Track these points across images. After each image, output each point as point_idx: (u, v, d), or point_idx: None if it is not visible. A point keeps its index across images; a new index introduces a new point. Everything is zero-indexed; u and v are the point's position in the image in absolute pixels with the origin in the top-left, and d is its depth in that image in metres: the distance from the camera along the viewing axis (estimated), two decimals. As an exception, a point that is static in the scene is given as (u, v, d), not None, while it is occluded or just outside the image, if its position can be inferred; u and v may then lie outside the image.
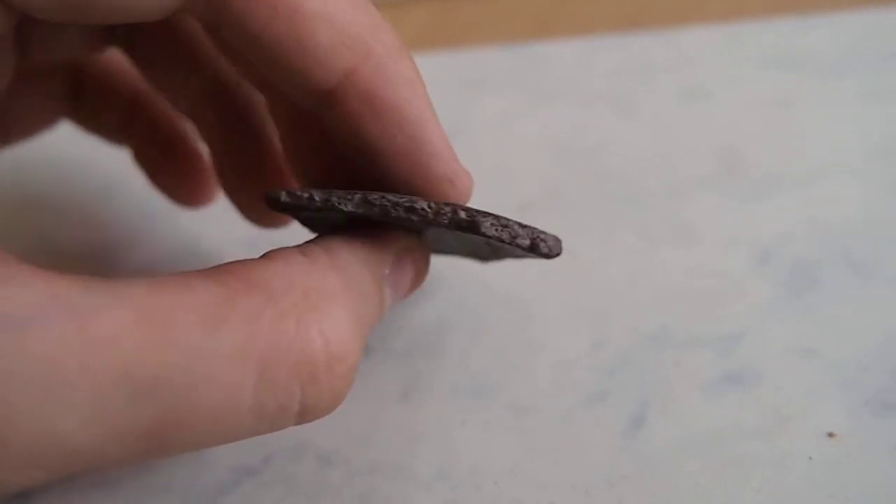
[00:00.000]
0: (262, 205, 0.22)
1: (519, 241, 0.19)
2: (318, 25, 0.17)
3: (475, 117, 0.31)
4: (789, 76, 0.31)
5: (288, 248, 0.18)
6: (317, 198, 0.18)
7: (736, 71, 0.32)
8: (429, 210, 0.18)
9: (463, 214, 0.18)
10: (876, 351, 0.22)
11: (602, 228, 0.26)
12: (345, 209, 0.18)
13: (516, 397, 0.22)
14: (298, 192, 0.19)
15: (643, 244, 0.26)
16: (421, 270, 0.20)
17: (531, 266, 0.25)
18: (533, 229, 0.19)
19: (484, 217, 0.18)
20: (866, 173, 0.27)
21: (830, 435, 0.20)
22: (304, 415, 0.16)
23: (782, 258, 0.24)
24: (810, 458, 0.20)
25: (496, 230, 0.18)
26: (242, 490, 0.21)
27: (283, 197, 0.19)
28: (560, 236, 0.22)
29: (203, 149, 0.25)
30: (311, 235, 0.20)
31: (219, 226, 0.28)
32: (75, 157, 0.32)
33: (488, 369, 0.23)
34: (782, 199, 0.26)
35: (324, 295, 0.17)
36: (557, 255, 0.20)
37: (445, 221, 0.18)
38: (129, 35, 0.23)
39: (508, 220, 0.19)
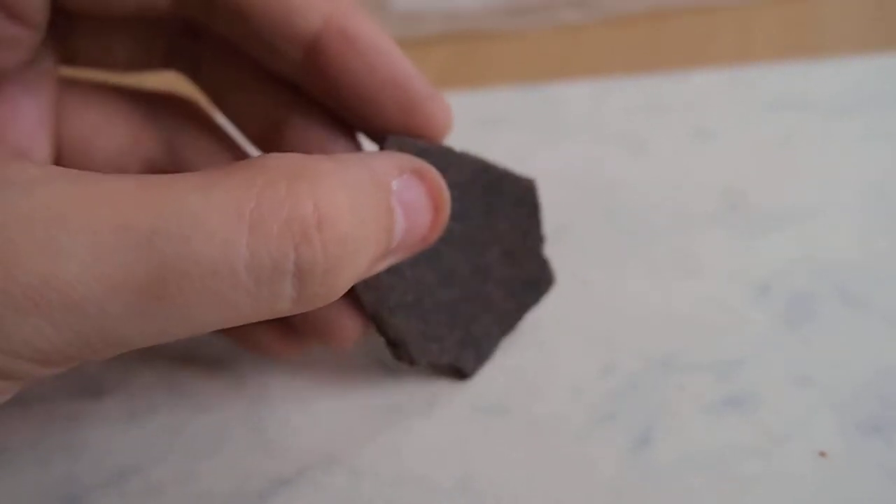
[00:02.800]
0: None
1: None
2: None
3: (493, 154, 0.33)
4: (793, 118, 0.33)
5: None
6: None
7: (742, 112, 0.34)
8: None
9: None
10: (867, 379, 0.23)
11: (613, 261, 0.28)
12: None
13: (531, 417, 0.24)
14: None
15: (651, 276, 0.27)
16: (438, 196, 0.20)
17: (546, 297, 0.27)
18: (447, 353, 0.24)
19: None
20: (863, 212, 0.28)
21: (822, 454, 0.22)
22: (302, 278, 0.17)
23: (781, 291, 0.26)
24: (803, 477, 0.21)
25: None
26: (278, 499, 0.23)
27: None
28: (573, 267, 0.25)
29: None
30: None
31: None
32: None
33: (506, 390, 0.25)
34: (782, 236, 0.28)
35: (317, 171, 0.17)
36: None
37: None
38: (191, 59, 0.25)
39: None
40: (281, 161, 0.17)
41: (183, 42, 0.24)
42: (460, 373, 0.25)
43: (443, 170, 0.24)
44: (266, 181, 0.16)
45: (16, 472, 0.24)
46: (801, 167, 0.31)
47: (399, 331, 0.23)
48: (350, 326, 0.24)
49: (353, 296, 0.23)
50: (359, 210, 0.18)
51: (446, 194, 0.21)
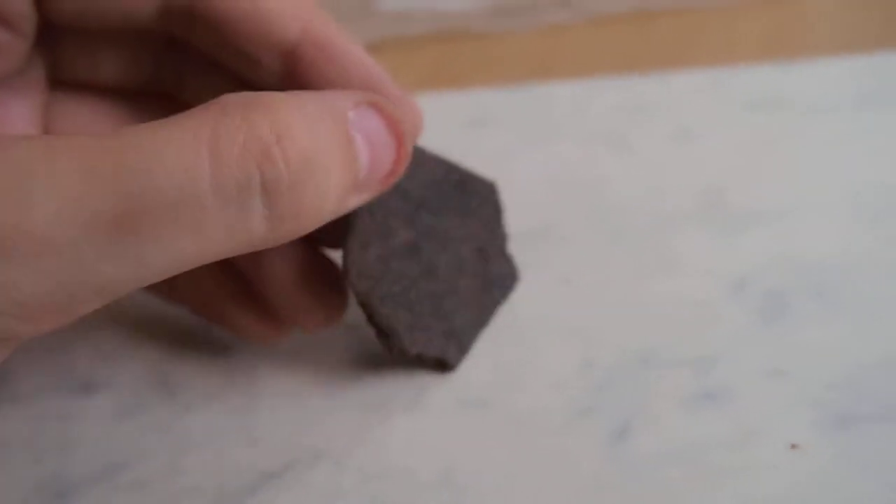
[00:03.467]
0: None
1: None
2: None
3: (478, 154, 0.34)
4: (771, 118, 0.34)
5: None
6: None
7: (722, 112, 0.34)
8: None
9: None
10: (840, 372, 0.24)
11: (595, 258, 0.29)
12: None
13: (514, 410, 0.24)
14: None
15: (632, 273, 0.28)
16: (398, 127, 0.20)
17: (529, 293, 0.27)
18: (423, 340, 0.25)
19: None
20: (838, 210, 0.29)
21: (794, 447, 0.22)
22: (270, 194, 0.17)
23: (756, 288, 0.27)
24: (776, 468, 0.22)
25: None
26: (266, 492, 0.23)
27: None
28: (557, 265, 0.26)
29: None
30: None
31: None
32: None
33: (489, 385, 0.25)
34: (759, 233, 0.29)
35: (270, 100, 0.18)
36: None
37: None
38: (175, 73, 0.25)
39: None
40: (234, 96, 0.18)
41: (167, 57, 0.25)
42: (445, 365, 0.25)
43: (417, 166, 0.24)
44: (220, 112, 0.17)
45: (7, 467, 0.24)
46: (779, 166, 0.31)
47: (390, 320, 0.24)
48: (326, 312, 0.25)
49: (332, 283, 0.25)
50: (316, 132, 0.18)
51: (405, 126, 0.21)
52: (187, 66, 0.25)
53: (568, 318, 0.27)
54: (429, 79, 0.40)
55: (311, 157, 0.18)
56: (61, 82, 0.24)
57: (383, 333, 0.24)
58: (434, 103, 0.36)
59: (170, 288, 0.26)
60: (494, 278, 0.26)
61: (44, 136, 0.17)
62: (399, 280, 0.24)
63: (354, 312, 0.27)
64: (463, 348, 0.25)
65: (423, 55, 0.41)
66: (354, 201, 0.20)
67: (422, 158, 0.25)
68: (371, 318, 0.24)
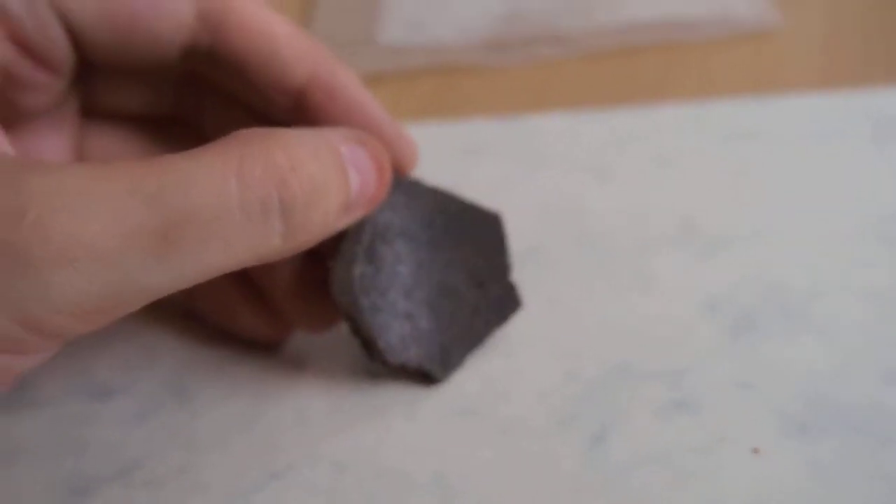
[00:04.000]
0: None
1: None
2: (283, 41, 0.25)
3: (472, 181, 0.35)
4: (746, 149, 0.36)
5: None
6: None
7: (700, 143, 0.36)
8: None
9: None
10: (802, 386, 0.26)
11: (579, 279, 0.31)
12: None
13: (501, 418, 0.26)
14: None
15: (612, 293, 0.30)
16: (380, 160, 0.24)
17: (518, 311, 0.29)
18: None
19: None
20: (805, 236, 0.31)
21: (755, 451, 0.24)
22: (286, 212, 0.20)
23: (727, 307, 0.29)
24: (738, 472, 0.24)
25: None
26: (270, 490, 0.25)
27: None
28: (544, 286, 0.28)
29: None
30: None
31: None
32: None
33: (478, 395, 0.27)
34: (731, 257, 0.31)
35: (281, 134, 0.21)
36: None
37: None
38: (196, 106, 0.28)
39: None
40: (253, 131, 0.21)
41: (188, 89, 0.27)
42: (429, 377, 0.27)
43: (413, 197, 0.27)
44: (244, 143, 0.20)
45: (29, 467, 0.26)
46: (751, 194, 0.33)
47: (370, 331, 0.26)
48: (324, 315, 0.28)
49: (328, 290, 0.27)
50: (320, 160, 0.22)
51: (386, 157, 0.25)
52: (207, 98, 0.27)
53: (552, 335, 0.29)
54: (427, 108, 0.41)
55: (318, 182, 0.21)
56: (92, 112, 0.27)
57: (366, 343, 0.26)
58: (431, 132, 0.38)
59: (189, 293, 0.28)
60: (489, 303, 0.28)
61: (94, 162, 0.19)
62: (383, 296, 0.26)
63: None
64: (450, 364, 0.27)
65: (422, 86, 0.42)
66: (345, 220, 0.24)
67: (417, 189, 0.27)
68: (353, 329, 0.26)
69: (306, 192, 0.21)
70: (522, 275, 0.31)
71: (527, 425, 0.26)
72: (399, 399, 0.27)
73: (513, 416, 0.26)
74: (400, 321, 0.26)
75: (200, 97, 0.27)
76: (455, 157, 0.37)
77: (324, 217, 0.22)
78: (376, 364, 0.27)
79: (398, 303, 0.26)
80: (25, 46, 0.23)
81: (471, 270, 0.28)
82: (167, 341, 0.30)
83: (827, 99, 0.38)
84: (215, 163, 0.20)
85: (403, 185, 0.27)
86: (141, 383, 0.29)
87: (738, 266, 0.30)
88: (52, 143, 0.25)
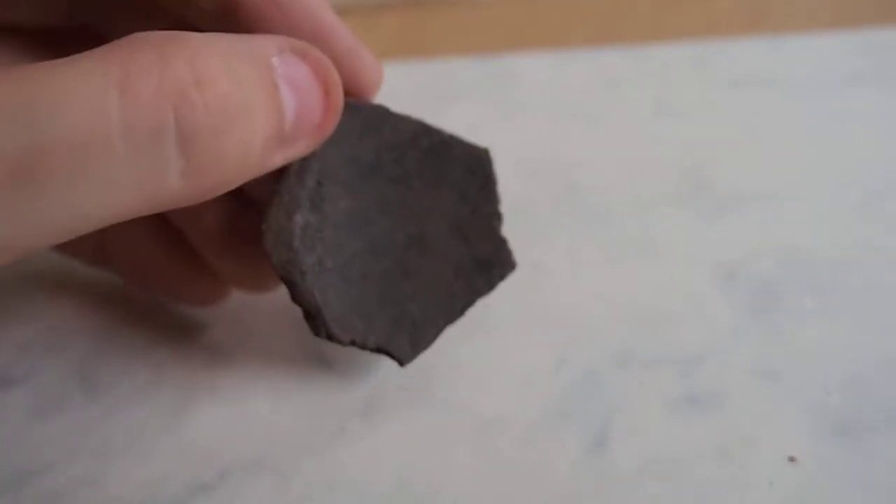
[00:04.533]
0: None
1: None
2: None
3: (443, 127, 0.31)
4: (758, 95, 0.31)
5: None
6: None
7: (705, 89, 0.32)
8: None
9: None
10: (838, 375, 0.22)
11: (568, 243, 0.26)
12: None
13: (478, 413, 0.22)
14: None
15: (608, 260, 0.26)
16: (327, 77, 0.19)
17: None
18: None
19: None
20: (832, 194, 0.27)
21: (791, 459, 0.20)
22: (187, 141, 0.16)
23: (746, 278, 0.24)
24: (771, 484, 0.20)
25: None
26: (196, 506, 0.20)
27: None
28: (526, 250, 0.23)
29: None
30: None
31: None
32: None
33: (449, 384, 0.23)
34: (747, 218, 0.26)
35: (187, 39, 0.16)
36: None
37: None
38: (101, 11, 0.23)
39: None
40: (148, 34, 0.16)
41: None
42: (392, 358, 0.22)
43: (375, 128, 0.22)
44: (132, 49, 0.16)
45: None
46: (767, 147, 0.29)
47: (313, 298, 0.21)
48: (264, 272, 0.23)
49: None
50: (238, 76, 0.17)
51: (335, 75, 0.19)
52: (117, 6, 0.22)
53: (538, 310, 0.24)
54: (393, 47, 0.38)
55: (233, 102, 0.16)
56: None
57: (308, 314, 0.21)
58: (398, 73, 0.33)
59: (97, 249, 0.24)
60: (475, 263, 0.23)
61: None
62: (334, 253, 0.21)
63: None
64: (419, 341, 0.22)
65: (386, 21, 0.40)
66: (280, 157, 0.19)
67: (381, 118, 0.22)
68: (293, 295, 0.21)
69: (216, 114, 0.16)
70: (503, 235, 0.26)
71: (510, 424, 0.22)
72: (355, 390, 0.23)
73: (492, 413, 0.22)
74: (354, 285, 0.21)
75: (109, 5, 0.22)
76: (423, 102, 0.33)
77: (243, 149, 0.17)
78: (323, 338, 0.21)
79: (353, 262, 0.21)
80: None
81: (452, 220, 0.23)
82: (75, 321, 0.25)
83: (846, 38, 0.33)
84: (93, 73, 0.15)
85: (362, 112, 0.22)
86: (43, 372, 0.24)
87: (755, 229, 0.26)
88: None
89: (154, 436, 0.22)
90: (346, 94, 0.21)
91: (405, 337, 0.22)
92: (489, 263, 0.23)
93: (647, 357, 0.23)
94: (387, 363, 0.23)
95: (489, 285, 0.23)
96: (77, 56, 0.15)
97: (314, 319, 0.21)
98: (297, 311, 0.24)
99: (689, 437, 0.21)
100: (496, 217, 0.23)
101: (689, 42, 0.35)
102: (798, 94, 0.31)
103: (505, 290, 0.25)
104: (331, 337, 0.21)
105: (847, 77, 0.32)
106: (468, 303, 0.22)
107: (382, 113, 0.22)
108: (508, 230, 0.26)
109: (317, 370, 0.23)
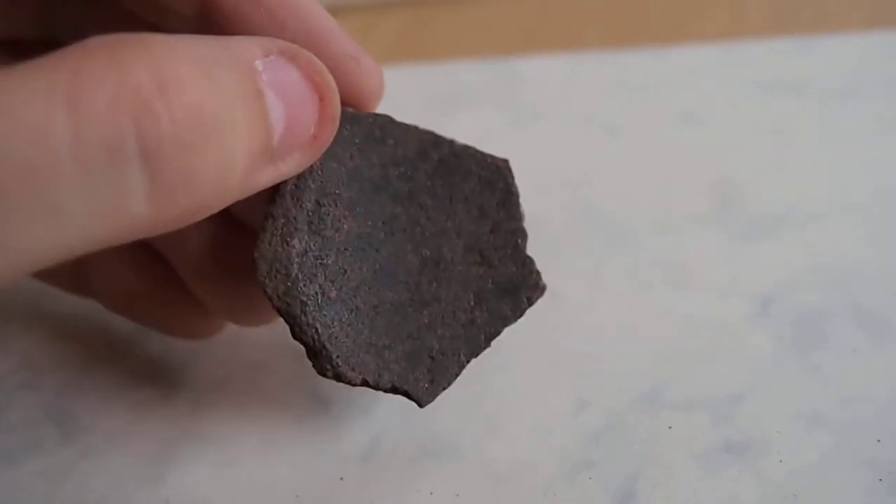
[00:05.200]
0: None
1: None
2: None
3: (450, 136, 0.29)
4: (790, 101, 0.29)
5: None
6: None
7: (733, 94, 0.30)
8: None
9: None
10: (889, 417, 0.20)
11: (588, 268, 0.24)
12: None
13: (490, 463, 0.20)
14: None
15: (632, 288, 0.23)
16: (320, 83, 0.17)
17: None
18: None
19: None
20: (876, 212, 0.25)
21: (845, 522, 0.18)
22: (151, 158, 0.14)
23: (785, 308, 0.22)
24: (821, 547, 0.17)
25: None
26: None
27: None
28: (543, 275, 0.21)
29: None
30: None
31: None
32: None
33: (459, 428, 0.21)
34: (784, 240, 0.24)
35: (151, 41, 0.14)
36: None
37: None
38: (71, 23, 0.21)
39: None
40: (105, 37, 0.14)
41: (65, 4, 0.20)
42: (410, 398, 0.20)
43: (378, 140, 0.20)
44: (84, 54, 0.14)
45: None
46: (802, 158, 0.27)
47: (318, 334, 0.19)
48: (255, 303, 0.21)
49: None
50: (212, 81, 0.15)
51: (330, 80, 0.17)
52: (84, 14, 0.20)
53: (556, 344, 0.22)
54: (396, 49, 0.36)
55: (207, 112, 0.14)
56: None
57: (311, 351, 0.19)
58: (401, 76, 0.32)
59: (74, 276, 0.22)
60: (499, 287, 0.20)
61: None
62: (337, 282, 0.19)
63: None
64: (439, 377, 0.20)
65: (389, 22, 0.38)
66: (270, 175, 0.17)
67: (385, 129, 0.20)
68: (293, 330, 0.19)
69: (185, 127, 0.14)
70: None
71: (526, 473, 0.20)
72: (354, 435, 0.21)
73: (506, 460, 0.20)
74: (362, 317, 0.19)
75: (78, 16, 0.20)
76: (429, 107, 0.31)
77: (221, 168, 0.15)
78: (331, 378, 0.19)
79: (360, 291, 0.19)
80: None
81: (470, 240, 0.20)
82: (50, 353, 0.23)
83: (885, 40, 0.31)
84: (39, 84, 0.13)
85: (363, 123, 0.19)
86: (13, 412, 0.22)
87: (792, 251, 0.24)
88: None
89: (133, 487, 0.20)
90: (345, 103, 0.19)
91: (423, 373, 0.20)
92: (514, 287, 0.20)
93: (678, 399, 0.21)
94: (388, 404, 0.21)
95: (517, 312, 0.20)
96: (23, 65, 0.13)
97: (318, 357, 0.19)
98: (293, 346, 0.22)
99: (724, 492, 0.19)
100: (520, 234, 0.21)
101: (714, 43, 0.33)
102: (834, 100, 0.29)
103: (520, 321, 0.22)
104: (339, 377, 0.19)
105: (887, 80, 0.30)
106: (493, 333, 0.20)
107: (386, 123, 0.20)
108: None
109: (312, 412, 0.21)
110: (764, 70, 0.31)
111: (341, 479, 0.20)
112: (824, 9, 0.35)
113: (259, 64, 0.16)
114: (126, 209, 0.14)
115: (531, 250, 0.22)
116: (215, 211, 0.16)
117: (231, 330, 0.23)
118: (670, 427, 0.20)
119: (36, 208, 0.13)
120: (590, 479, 0.19)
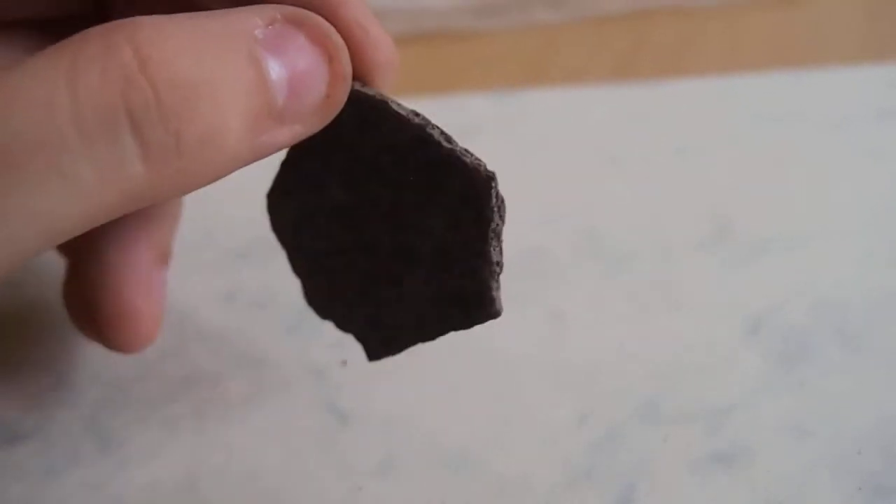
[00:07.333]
0: None
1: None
2: None
3: (451, 135, 0.30)
4: (783, 132, 0.31)
5: None
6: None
7: (730, 125, 0.31)
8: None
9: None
10: (869, 430, 0.21)
11: (589, 292, 0.26)
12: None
13: (498, 473, 0.21)
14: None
15: (631, 310, 0.25)
16: (329, 45, 0.17)
17: (514, 329, 0.24)
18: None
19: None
20: (862, 238, 0.26)
21: (825, 526, 0.19)
22: (139, 126, 0.15)
23: (774, 328, 0.24)
24: (803, 549, 0.19)
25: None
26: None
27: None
28: (546, 298, 0.22)
29: None
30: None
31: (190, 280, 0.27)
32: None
33: (469, 442, 0.22)
34: (774, 265, 0.26)
35: (141, 23, 0.16)
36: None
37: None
38: None
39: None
40: (102, 26, 0.16)
41: None
42: (364, 350, 0.21)
43: (374, 124, 0.20)
44: (82, 41, 0.15)
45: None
46: (794, 188, 0.28)
47: (302, 270, 0.21)
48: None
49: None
50: (201, 53, 0.16)
51: (338, 40, 0.18)
52: None
53: (560, 363, 0.24)
54: (405, 83, 0.36)
55: (188, 80, 0.16)
56: None
57: (301, 280, 0.22)
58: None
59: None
60: (452, 296, 0.20)
61: None
62: (323, 239, 0.21)
63: (324, 355, 0.23)
64: (389, 346, 0.21)
65: (401, 55, 0.38)
66: (285, 135, 0.17)
67: (381, 114, 0.19)
68: (290, 260, 0.22)
69: (166, 94, 0.15)
70: (520, 285, 0.25)
71: (529, 484, 0.21)
72: (371, 448, 0.22)
73: (511, 472, 0.21)
74: (341, 274, 0.21)
75: None
76: None
77: (211, 129, 0.16)
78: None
79: (344, 254, 0.21)
80: None
81: (439, 245, 0.20)
82: (85, 371, 0.25)
83: (875, 73, 0.33)
84: (44, 70, 0.15)
85: (368, 101, 0.19)
86: (54, 426, 0.23)
87: (784, 277, 0.25)
88: None
89: (168, 495, 0.22)
90: (355, 76, 0.19)
91: (378, 338, 0.21)
92: (466, 303, 0.20)
93: (673, 412, 0.22)
94: (406, 417, 0.23)
95: (465, 323, 0.20)
96: (35, 55, 0.15)
97: (304, 290, 0.22)
98: (314, 366, 0.23)
99: (715, 499, 0.20)
100: (484, 258, 0.19)
101: (713, 76, 0.34)
102: (828, 131, 0.30)
103: (524, 339, 0.24)
104: (313, 307, 0.22)
105: (880, 112, 0.31)
106: (440, 331, 0.20)
107: (383, 107, 0.19)
108: (527, 274, 0.25)
109: (332, 425, 0.23)
110: (760, 102, 0.32)
111: (360, 489, 0.21)
112: (815, 43, 0.36)
113: (259, 32, 0.17)
114: (124, 171, 0.15)
115: (536, 273, 0.23)
116: (229, 171, 0.17)
117: (256, 351, 0.25)
118: (665, 439, 0.21)
119: (51, 176, 0.15)
120: (589, 487, 0.21)
